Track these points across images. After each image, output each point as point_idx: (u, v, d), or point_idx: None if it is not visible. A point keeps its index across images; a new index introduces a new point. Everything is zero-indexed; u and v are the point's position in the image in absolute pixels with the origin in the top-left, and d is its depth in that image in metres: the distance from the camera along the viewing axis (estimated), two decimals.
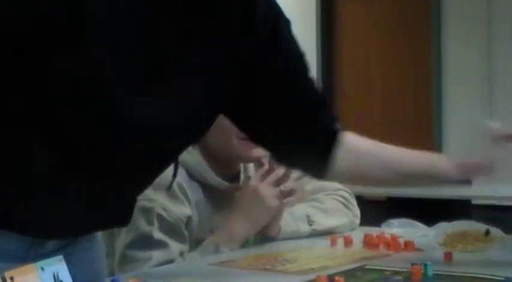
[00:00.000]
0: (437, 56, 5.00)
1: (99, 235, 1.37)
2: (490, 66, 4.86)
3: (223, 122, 1.56)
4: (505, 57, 4.82)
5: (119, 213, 1.19)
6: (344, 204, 1.80)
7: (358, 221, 1.82)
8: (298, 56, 1.27)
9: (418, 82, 5.10)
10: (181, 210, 1.52)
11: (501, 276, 1.19)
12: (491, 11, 4.84)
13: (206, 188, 1.59)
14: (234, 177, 1.65)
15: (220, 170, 1.61)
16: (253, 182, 1.59)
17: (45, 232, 1.13)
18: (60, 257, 0.91)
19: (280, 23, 1.26)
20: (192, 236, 1.56)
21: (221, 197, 1.62)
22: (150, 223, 1.48)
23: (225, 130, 1.57)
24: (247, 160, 1.61)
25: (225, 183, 1.61)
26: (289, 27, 1.28)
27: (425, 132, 5.06)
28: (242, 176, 1.67)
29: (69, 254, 1.20)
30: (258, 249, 1.56)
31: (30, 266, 0.86)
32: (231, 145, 1.58)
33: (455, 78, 4.99)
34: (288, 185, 1.58)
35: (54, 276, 0.88)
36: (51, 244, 1.20)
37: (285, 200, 1.58)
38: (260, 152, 1.59)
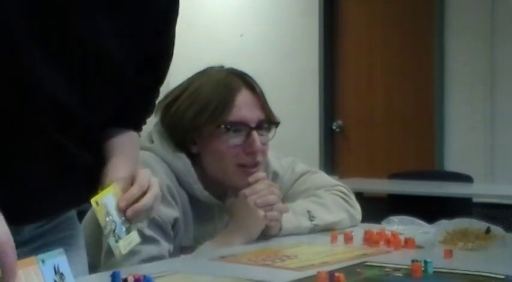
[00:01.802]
0: (439, 53, 4.99)
1: (82, 227, 1.38)
2: (492, 64, 4.85)
3: (220, 150, 1.58)
4: (507, 54, 4.81)
5: (78, 190, 1.20)
6: (344, 199, 1.80)
7: (359, 216, 1.82)
8: (166, 51, 1.30)
9: (420, 79, 5.09)
10: (169, 211, 1.53)
11: (501, 274, 1.19)
12: (495, 8, 4.83)
13: (193, 198, 1.60)
14: (222, 194, 1.66)
15: (210, 186, 1.62)
16: (242, 193, 1.59)
17: (14, 217, 1.13)
18: (61, 250, 0.91)
19: (175, 9, 1.28)
20: (177, 240, 1.57)
21: (206, 210, 1.63)
22: None
23: (222, 157, 1.59)
24: (243, 187, 1.62)
25: (211, 198, 1.62)
26: (175, 18, 1.29)
27: (427, 130, 5.06)
28: (230, 193, 1.67)
29: (48, 243, 1.21)
30: (259, 244, 1.56)
31: (31, 259, 0.86)
32: (227, 173, 1.60)
33: (457, 76, 4.98)
34: (271, 198, 1.58)
35: (54, 268, 0.88)
36: (27, 231, 1.21)
37: (267, 214, 1.58)
38: (259, 175, 1.59)
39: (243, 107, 1.59)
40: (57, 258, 0.89)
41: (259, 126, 1.61)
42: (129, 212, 1.08)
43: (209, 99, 1.59)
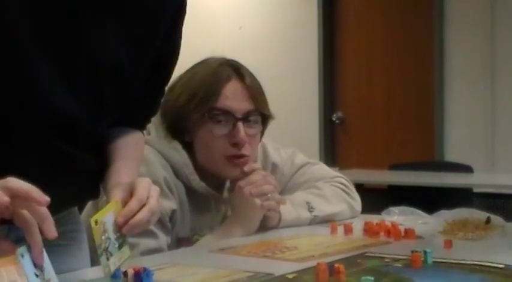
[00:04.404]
0: (439, 44, 4.98)
1: (83, 222, 1.39)
2: (492, 55, 4.84)
3: (206, 139, 1.57)
4: (507, 45, 4.80)
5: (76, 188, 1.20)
6: (344, 191, 1.80)
7: (359, 207, 1.82)
8: (172, 51, 1.28)
9: (420, 70, 5.08)
10: (166, 203, 1.54)
11: (501, 264, 1.19)
12: (494, 0, 4.81)
13: (189, 189, 1.61)
14: (219, 185, 1.65)
15: (207, 177, 1.62)
16: (238, 184, 1.59)
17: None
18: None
19: (182, 11, 1.28)
20: (174, 231, 1.57)
21: (203, 201, 1.63)
22: None
23: (209, 147, 1.59)
24: (229, 177, 1.62)
25: (208, 189, 1.62)
26: (183, 20, 1.29)
27: (427, 120, 5.05)
28: (227, 184, 1.67)
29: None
30: (258, 236, 1.56)
31: (14, 258, 0.85)
32: (215, 163, 1.60)
33: (457, 67, 4.97)
34: (267, 188, 1.58)
35: (33, 261, 0.87)
36: None
37: (264, 203, 1.58)
38: (254, 166, 1.60)
39: (230, 96, 1.58)
40: None
41: (246, 118, 1.59)
42: (125, 229, 1.06)
43: (199, 88, 1.59)
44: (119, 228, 1.06)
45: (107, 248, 1.02)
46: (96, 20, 1.11)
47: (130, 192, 1.10)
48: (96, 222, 1.01)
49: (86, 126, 1.15)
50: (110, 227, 1.04)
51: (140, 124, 1.34)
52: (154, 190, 1.12)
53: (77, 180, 1.18)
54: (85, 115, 1.13)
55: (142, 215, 1.08)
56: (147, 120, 1.37)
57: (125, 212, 1.07)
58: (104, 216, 1.03)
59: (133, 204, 1.08)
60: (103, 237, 1.02)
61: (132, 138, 1.29)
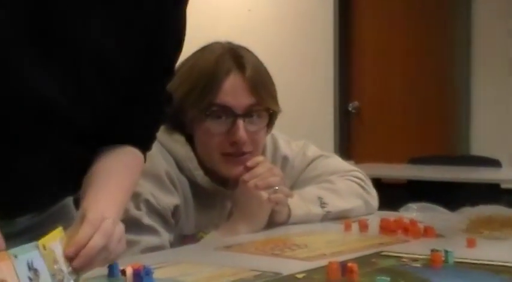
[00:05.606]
0: (465, 30, 4.95)
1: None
2: None
3: (204, 136, 1.57)
4: None
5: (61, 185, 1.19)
6: (359, 185, 1.79)
7: (375, 203, 1.81)
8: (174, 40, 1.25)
9: (443, 58, 5.06)
10: (169, 198, 1.54)
11: None
12: None
13: (194, 184, 1.60)
14: (225, 180, 1.65)
15: (212, 172, 1.62)
16: (242, 179, 1.59)
17: (6, 212, 1.12)
18: (35, 243, 0.89)
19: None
20: (178, 228, 1.57)
21: (208, 196, 1.63)
22: (138, 208, 1.51)
23: (206, 144, 1.59)
24: (228, 176, 1.61)
25: (213, 184, 1.62)
26: (182, 5, 1.24)
27: (450, 112, 5.03)
28: (231, 183, 1.66)
29: (46, 232, 1.22)
30: (266, 233, 1.56)
31: (3, 254, 0.85)
32: (212, 160, 1.60)
33: (484, 54, 4.94)
34: (273, 180, 1.58)
35: (28, 264, 0.87)
36: (19, 221, 1.21)
37: (271, 196, 1.58)
38: (258, 159, 1.59)
39: (230, 92, 1.56)
40: (31, 252, 0.88)
41: (247, 114, 1.58)
42: (76, 261, 0.96)
43: (198, 81, 1.58)
44: (70, 260, 0.97)
45: (62, 281, 0.95)
46: (81, 8, 1.10)
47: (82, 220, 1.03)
48: (44, 247, 0.93)
49: (74, 117, 1.14)
50: (60, 259, 0.96)
51: (143, 140, 1.27)
52: (111, 212, 1.05)
53: (66, 170, 1.18)
54: (72, 105, 1.12)
55: (93, 242, 0.98)
56: (153, 134, 1.30)
57: (75, 240, 0.97)
58: (52, 243, 0.96)
59: (84, 230, 0.99)
60: (55, 267, 0.94)
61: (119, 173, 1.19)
